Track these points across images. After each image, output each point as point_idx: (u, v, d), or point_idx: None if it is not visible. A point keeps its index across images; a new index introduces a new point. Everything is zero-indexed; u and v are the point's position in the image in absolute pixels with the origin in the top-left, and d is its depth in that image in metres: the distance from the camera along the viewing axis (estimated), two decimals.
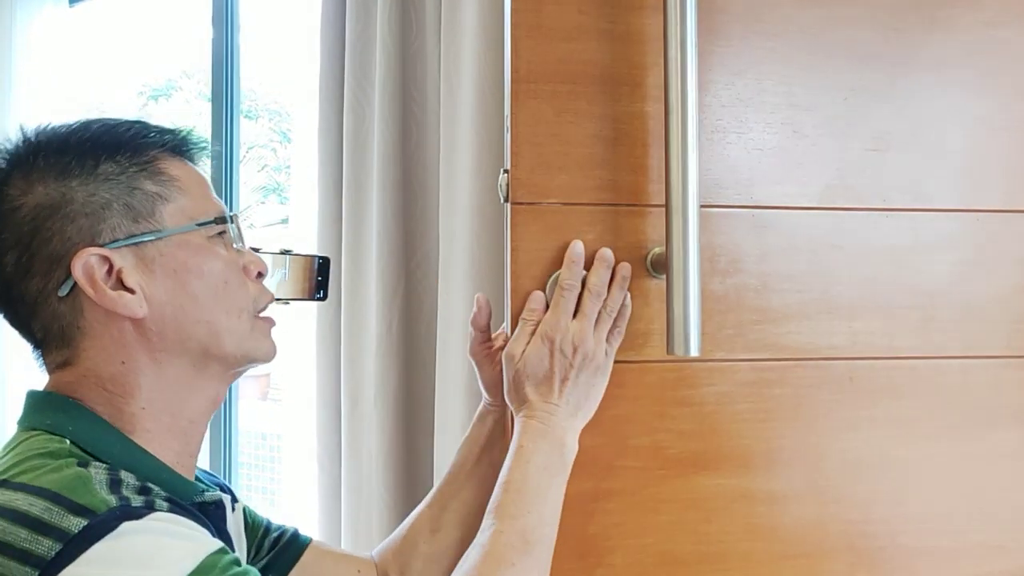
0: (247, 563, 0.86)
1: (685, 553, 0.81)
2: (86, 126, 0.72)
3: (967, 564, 0.85)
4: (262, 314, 0.79)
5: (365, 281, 1.49)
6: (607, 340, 0.78)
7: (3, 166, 0.70)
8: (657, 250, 0.80)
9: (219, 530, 0.72)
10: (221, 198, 0.79)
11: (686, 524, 0.81)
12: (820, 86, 0.84)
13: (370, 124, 1.49)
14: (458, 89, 1.35)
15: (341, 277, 1.51)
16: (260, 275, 0.79)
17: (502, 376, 0.81)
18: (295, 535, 0.91)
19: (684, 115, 0.72)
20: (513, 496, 0.73)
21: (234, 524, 0.83)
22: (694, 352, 0.72)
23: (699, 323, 0.72)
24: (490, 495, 0.93)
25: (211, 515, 0.72)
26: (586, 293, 0.77)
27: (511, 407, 0.79)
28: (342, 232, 1.52)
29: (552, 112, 0.79)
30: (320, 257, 0.97)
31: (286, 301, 0.95)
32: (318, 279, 0.97)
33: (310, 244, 1.56)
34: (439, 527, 0.92)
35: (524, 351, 0.77)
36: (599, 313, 0.77)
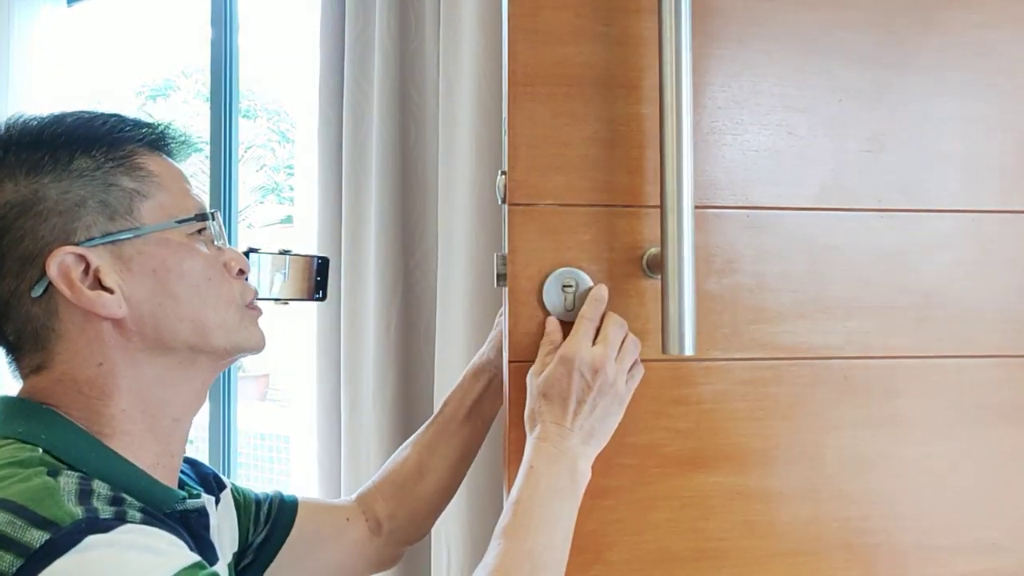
0: (243, 543, 0.85)
1: (682, 550, 0.82)
2: (60, 119, 0.68)
3: (962, 562, 0.86)
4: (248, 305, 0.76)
5: (364, 281, 1.49)
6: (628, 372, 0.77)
7: None
8: (653, 250, 0.80)
9: (201, 538, 0.71)
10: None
11: (683, 521, 0.82)
12: (815, 88, 0.84)
13: (369, 124, 1.49)
14: (457, 90, 1.35)
15: (340, 277, 1.51)
16: (241, 272, 0.75)
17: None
18: (282, 499, 0.91)
19: (679, 117, 0.73)
20: (521, 517, 0.71)
21: (224, 518, 0.82)
22: (689, 351, 0.73)
23: (694, 323, 0.73)
24: (478, 445, 0.96)
25: (193, 523, 0.71)
26: (610, 323, 0.77)
27: (526, 427, 0.78)
28: (341, 232, 1.53)
29: (549, 114, 0.80)
30: (319, 257, 0.98)
31: (285, 301, 0.96)
32: (317, 279, 0.98)
33: (310, 244, 1.56)
34: (427, 471, 0.94)
35: (543, 372, 0.76)
36: (622, 344, 0.76)
